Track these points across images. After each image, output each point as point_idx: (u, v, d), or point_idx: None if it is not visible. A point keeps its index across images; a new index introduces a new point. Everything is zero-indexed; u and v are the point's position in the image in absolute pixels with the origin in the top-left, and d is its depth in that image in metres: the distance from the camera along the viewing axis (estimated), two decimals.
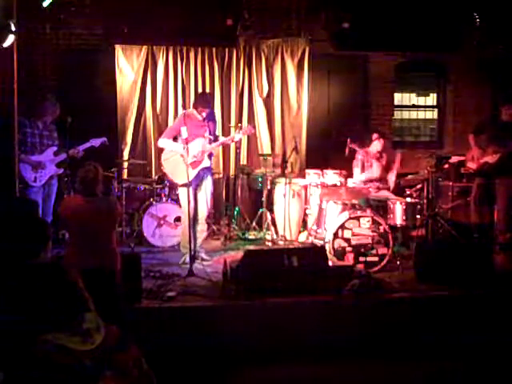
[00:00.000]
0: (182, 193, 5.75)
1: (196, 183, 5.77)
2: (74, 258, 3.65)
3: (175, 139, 5.78)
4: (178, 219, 6.31)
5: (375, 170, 6.75)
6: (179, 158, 5.62)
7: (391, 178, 6.72)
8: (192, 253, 5.66)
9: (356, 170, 6.78)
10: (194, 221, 5.73)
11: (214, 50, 7.64)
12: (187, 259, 5.55)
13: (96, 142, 5.97)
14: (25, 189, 5.53)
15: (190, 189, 5.57)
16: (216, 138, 5.94)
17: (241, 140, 7.32)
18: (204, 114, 5.69)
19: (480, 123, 6.66)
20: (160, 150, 6.06)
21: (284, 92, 7.84)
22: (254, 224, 7.13)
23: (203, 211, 5.83)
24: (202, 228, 5.87)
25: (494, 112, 6.61)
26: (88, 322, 1.76)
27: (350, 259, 5.55)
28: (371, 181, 6.67)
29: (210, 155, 5.88)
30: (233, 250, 6.40)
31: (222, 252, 6.31)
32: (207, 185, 5.84)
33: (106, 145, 6.10)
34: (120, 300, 3.83)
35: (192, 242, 5.64)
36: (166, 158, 5.81)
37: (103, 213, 3.91)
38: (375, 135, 6.76)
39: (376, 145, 6.71)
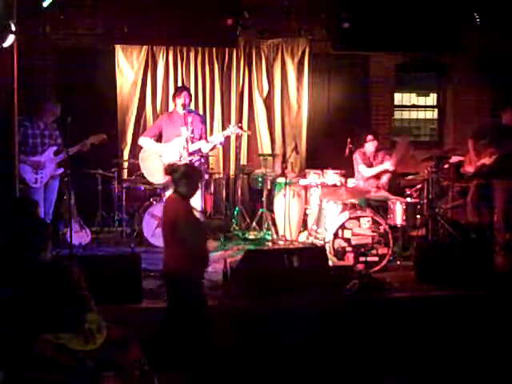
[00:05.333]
0: (167, 193, 5.74)
1: None
2: (189, 263, 3.61)
3: (161, 138, 5.73)
4: None
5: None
6: (156, 157, 5.57)
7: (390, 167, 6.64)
8: None
9: (362, 167, 6.69)
10: None
11: (214, 50, 7.65)
12: None
13: (96, 139, 5.95)
14: (25, 189, 5.53)
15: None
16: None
17: (241, 140, 7.32)
18: (186, 101, 5.45)
19: (480, 128, 6.64)
20: (140, 149, 5.96)
21: (284, 92, 7.84)
22: (254, 224, 7.12)
23: None
24: None
25: (493, 114, 6.59)
26: (90, 322, 1.76)
27: (350, 259, 5.55)
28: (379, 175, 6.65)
29: (201, 155, 5.72)
30: (233, 250, 6.39)
31: (222, 252, 6.31)
32: None
33: (106, 141, 6.10)
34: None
35: None
36: (142, 157, 5.76)
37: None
38: (369, 136, 6.72)
39: (369, 146, 6.69)
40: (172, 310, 3.78)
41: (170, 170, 3.85)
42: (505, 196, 6.21)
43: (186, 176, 3.72)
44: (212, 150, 5.79)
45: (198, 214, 4.03)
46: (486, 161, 6.22)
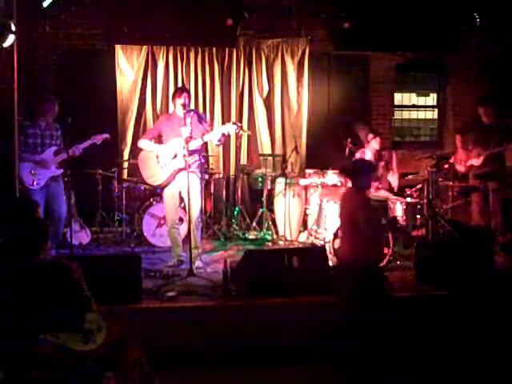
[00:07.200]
0: (165, 195, 5.64)
1: (177, 185, 5.51)
2: (368, 253, 3.68)
3: (161, 140, 5.65)
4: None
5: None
6: (154, 159, 5.53)
7: (394, 181, 6.73)
8: (181, 258, 5.58)
9: None
10: (177, 223, 5.67)
11: (214, 49, 7.66)
12: (175, 263, 5.54)
13: (98, 139, 5.91)
14: (25, 190, 5.50)
15: (172, 191, 5.53)
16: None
17: (241, 140, 7.32)
18: (186, 101, 5.41)
19: (465, 123, 6.78)
20: (140, 151, 5.87)
21: (284, 92, 7.84)
22: (254, 224, 7.12)
23: (192, 214, 5.33)
24: (193, 230, 5.40)
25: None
26: (90, 322, 1.76)
27: None
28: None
29: (200, 155, 5.64)
30: (233, 250, 6.40)
31: (222, 252, 6.31)
32: (191, 185, 5.19)
33: (109, 141, 6.08)
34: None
35: (180, 246, 5.62)
36: (141, 159, 5.68)
37: None
38: (370, 135, 6.77)
39: (373, 144, 6.71)
40: (358, 300, 3.78)
41: (346, 168, 3.97)
42: (499, 196, 6.28)
43: (363, 170, 3.86)
44: (218, 146, 5.75)
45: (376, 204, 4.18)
46: (474, 162, 6.34)
